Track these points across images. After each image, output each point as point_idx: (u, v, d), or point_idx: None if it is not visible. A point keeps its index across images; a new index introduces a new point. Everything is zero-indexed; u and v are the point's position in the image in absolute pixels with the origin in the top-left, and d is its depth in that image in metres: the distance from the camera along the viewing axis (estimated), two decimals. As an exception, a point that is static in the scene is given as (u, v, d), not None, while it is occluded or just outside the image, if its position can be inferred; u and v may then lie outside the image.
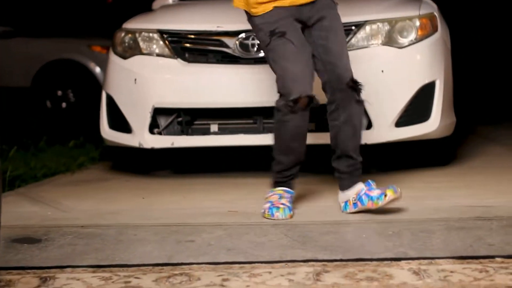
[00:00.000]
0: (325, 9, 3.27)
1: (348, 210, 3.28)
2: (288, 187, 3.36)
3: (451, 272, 2.29)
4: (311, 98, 3.19)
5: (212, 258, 2.58)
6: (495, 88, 10.12)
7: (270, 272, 2.38)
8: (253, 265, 2.47)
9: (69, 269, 2.49)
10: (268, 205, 3.29)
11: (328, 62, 3.23)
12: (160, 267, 2.48)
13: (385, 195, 3.17)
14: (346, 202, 3.31)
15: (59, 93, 9.67)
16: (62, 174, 5.07)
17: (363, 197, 3.24)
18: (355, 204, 3.26)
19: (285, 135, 3.27)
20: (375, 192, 3.23)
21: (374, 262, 2.43)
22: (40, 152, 5.93)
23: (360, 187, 3.28)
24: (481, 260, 2.42)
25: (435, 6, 4.56)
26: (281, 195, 3.32)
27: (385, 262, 2.44)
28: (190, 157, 5.52)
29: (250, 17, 3.29)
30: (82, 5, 11.16)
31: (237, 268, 2.43)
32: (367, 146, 4.12)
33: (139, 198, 3.93)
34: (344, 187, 3.33)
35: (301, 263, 2.46)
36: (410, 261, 2.43)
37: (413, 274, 2.29)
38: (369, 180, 3.30)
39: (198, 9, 4.68)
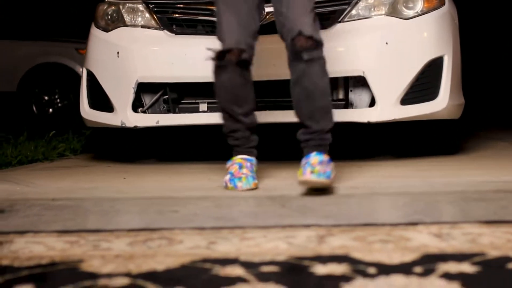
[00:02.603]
0: None
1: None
2: (248, 155, 3.07)
3: (479, 235, 1.94)
4: (242, 52, 2.93)
5: (198, 225, 2.22)
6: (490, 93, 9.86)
7: (265, 236, 2.01)
8: (245, 229, 2.11)
9: (30, 234, 2.13)
10: (228, 176, 2.99)
11: (280, 13, 2.92)
12: (136, 232, 2.12)
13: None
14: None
15: (46, 98, 9.34)
16: (39, 162, 4.72)
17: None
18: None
19: (220, 94, 3.03)
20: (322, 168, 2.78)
21: (387, 227, 2.07)
22: (19, 145, 5.57)
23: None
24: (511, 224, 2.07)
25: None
26: (240, 164, 3.02)
27: (400, 226, 2.08)
28: (177, 145, 5.17)
29: None
30: (70, 8, 10.86)
31: (227, 233, 2.07)
32: (370, 124, 3.79)
33: (120, 179, 3.57)
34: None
35: (302, 228, 2.10)
36: (428, 225, 2.08)
37: (434, 237, 1.93)
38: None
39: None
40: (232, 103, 3.04)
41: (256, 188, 2.94)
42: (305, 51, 2.85)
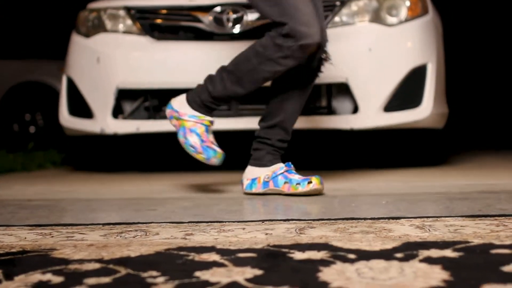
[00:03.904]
0: None
1: (253, 190, 2.83)
2: (212, 119, 2.83)
3: (462, 226, 1.90)
4: (320, 47, 2.76)
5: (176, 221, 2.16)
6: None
7: (243, 228, 1.96)
8: (223, 223, 2.06)
9: (1, 228, 2.06)
10: (196, 138, 2.74)
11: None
12: (111, 226, 2.06)
13: (310, 182, 2.72)
14: (254, 180, 2.85)
15: (28, 116, 9.25)
16: (18, 173, 4.65)
17: (279, 177, 2.79)
18: (265, 183, 2.80)
19: (261, 73, 2.70)
20: (296, 176, 2.77)
21: (369, 220, 2.03)
22: (-2, 158, 5.49)
23: (279, 165, 2.85)
24: (496, 218, 2.02)
25: (424, -9, 4.24)
26: (208, 127, 2.78)
27: (382, 220, 2.03)
28: (157, 154, 5.11)
29: None
30: (52, 26, 10.81)
31: (204, 226, 2.02)
32: (353, 132, 3.75)
33: (98, 184, 3.51)
34: (256, 163, 2.88)
35: (281, 222, 2.05)
36: (411, 219, 2.03)
37: (416, 228, 1.88)
38: (289, 162, 2.86)
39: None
40: (259, 84, 2.77)
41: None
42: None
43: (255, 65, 2.70)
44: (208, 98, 2.77)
